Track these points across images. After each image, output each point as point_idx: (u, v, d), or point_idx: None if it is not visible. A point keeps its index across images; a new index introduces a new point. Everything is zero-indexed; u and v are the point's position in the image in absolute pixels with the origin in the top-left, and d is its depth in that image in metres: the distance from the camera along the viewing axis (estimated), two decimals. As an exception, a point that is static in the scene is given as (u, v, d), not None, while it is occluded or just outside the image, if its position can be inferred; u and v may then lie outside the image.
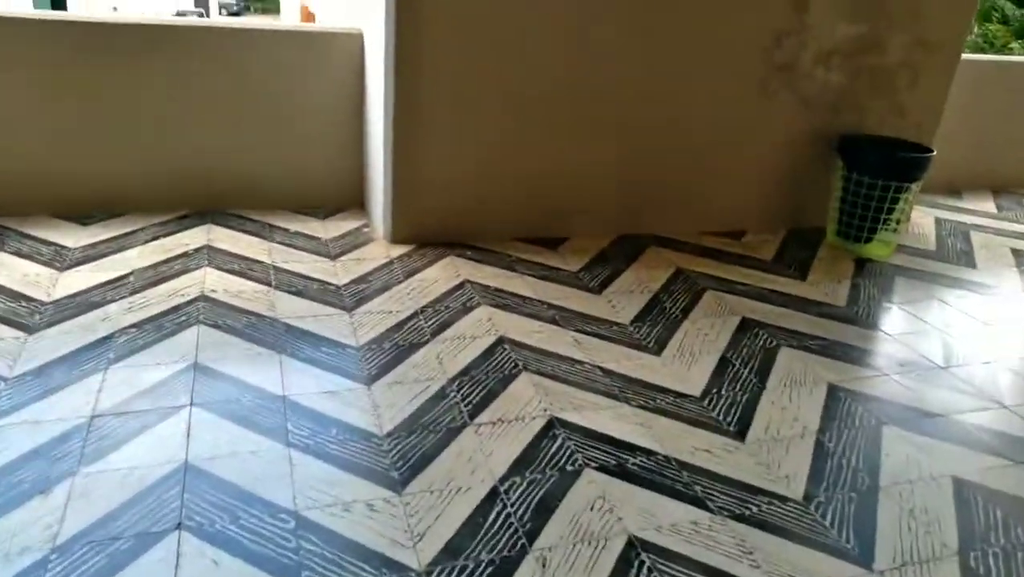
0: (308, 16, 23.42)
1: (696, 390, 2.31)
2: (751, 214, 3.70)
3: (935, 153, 3.41)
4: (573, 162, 3.26)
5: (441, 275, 2.89)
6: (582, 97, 3.15)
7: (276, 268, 2.80)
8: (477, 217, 3.21)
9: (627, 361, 2.44)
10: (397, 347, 2.36)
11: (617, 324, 2.67)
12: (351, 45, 3.23)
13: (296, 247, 3.00)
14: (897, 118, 3.66)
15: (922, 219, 4.01)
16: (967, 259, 3.58)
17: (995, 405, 2.38)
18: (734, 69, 3.34)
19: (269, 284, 2.67)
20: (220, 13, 28.48)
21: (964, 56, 3.76)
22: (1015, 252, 3.69)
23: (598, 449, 1.99)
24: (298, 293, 2.63)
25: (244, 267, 2.78)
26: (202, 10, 25.59)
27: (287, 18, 25.56)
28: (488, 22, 2.89)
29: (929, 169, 3.40)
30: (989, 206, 4.37)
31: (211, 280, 2.65)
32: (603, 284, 2.98)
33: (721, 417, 2.19)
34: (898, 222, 3.47)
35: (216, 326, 2.36)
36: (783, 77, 3.42)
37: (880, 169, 3.36)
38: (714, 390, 2.32)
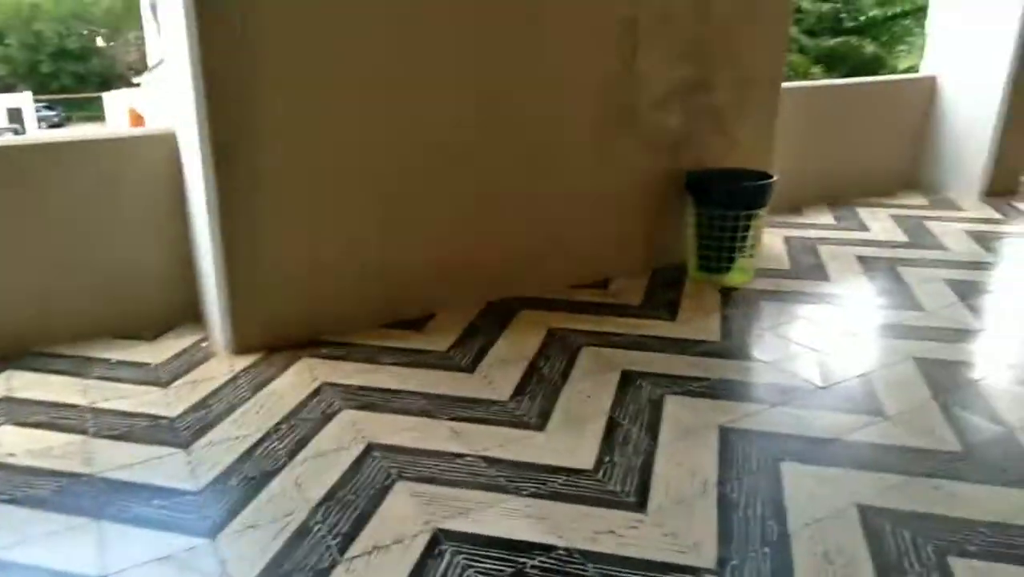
0: (137, 119, 22.42)
1: (588, 463, 2.14)
2: (613, 261, 3.65)
3: (776, 178, 3.52)
4: (428, 234, 3.09)
5: (294, 382, 2.59)
6: (431, 165, 3.00)
7: (94, 410, 2.39)
8: (329, 309, 2.94)
9: (511, 444, 2.23)
10: (247, 481, 2.03)
11: (496, 402, 2.47)
12: (164, 147, 2.93)
13: (119, 380, 2.60)
14: (734, 151, 3.77)
15: (773, 240, 4.13)
16: (820, 273, 3.69)
17: (879, 418, 2.37)
18: (577, 121, 3.33)
19: (85, 432, 2.26)
20: (40, 127, 26.60)
21: (784, 85, 3.97)
22: (860, 259, 3.85)
23: (491, 558, 1.75)
24: (121, 437, 2.24)
25: (53, 416, 2.35)
26: (17, 126, 23.76)
27: (113, 124, 24.29)
28: (314, 98, 2.70)
29: (772, 194, 3.49)
30: (828, 219, 4.60)
31: (9, 441, 2.21)
32: (476, 360, 2.78)
33: (619, 488, 2.02)
34: (752, 247, 3.54)
35: (13, 501, 1.93)
36: (625, 123, 3.44)
37: (728, 200, 3.42)
38: (607, 459, 2.15)
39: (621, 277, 3.62)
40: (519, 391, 2.55)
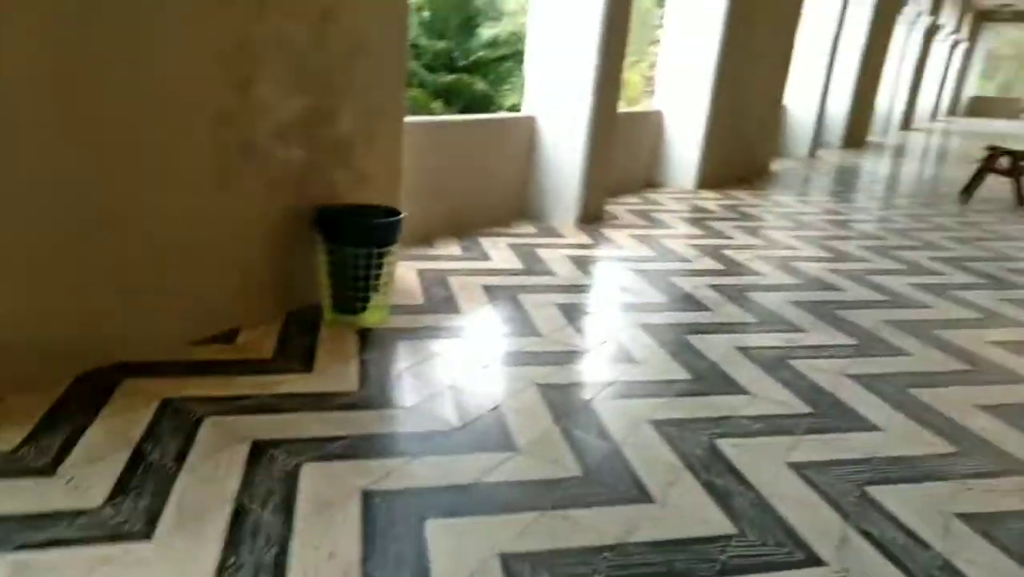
0: None
1: (209, 570, 1.81)
2: (242, 308, 3.30)
3: (405, 214, 3.52)
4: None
5: None
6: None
7: None
8: None
9: (105, 568, 1.79)
10: None
11: (84, 512, 1.98)
12: None
13: None
14: (361, 186, 3.70)
15: (406, 274, 4.16)
16: (451, 305, 3.80)
17: (511, 452, 2.45)
18: (190, 155, 2.92)
19: None
20: None
21: (409, 120, 4.01)
22: (485, 288, 4.08)
23: None
24: None
25: None
26: None
27: None
28: None
29: (402, 230, 3.48)
30: (456, 250, 4.81)
31: None
32: (59, 457, 2.22)
33: (248, 595, 1.74)
34: (386, 285, 3.49)
35: None
36: (242, 159, 3.12)
37: (359, 237, 3.32)
38: (231, 561, 1.85)
39: (252, 326, 3.28)
40: (119, 490, 2.08)
